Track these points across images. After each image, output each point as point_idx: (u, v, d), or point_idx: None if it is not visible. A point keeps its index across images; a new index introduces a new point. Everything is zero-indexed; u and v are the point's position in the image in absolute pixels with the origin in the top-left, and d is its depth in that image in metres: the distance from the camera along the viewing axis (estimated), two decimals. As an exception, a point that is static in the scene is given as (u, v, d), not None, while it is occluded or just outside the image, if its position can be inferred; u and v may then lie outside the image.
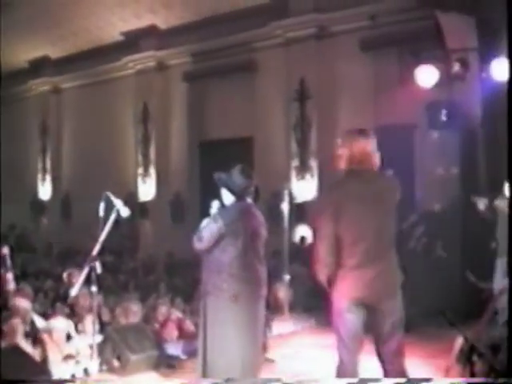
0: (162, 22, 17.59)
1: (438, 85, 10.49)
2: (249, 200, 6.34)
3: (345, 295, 5.22)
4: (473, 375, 4.15)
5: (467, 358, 4.23)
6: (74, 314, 8.81)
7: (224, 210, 6.29)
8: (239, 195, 6.27)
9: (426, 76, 10.41)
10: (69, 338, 8.37)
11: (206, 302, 6.19)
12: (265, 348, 8.91)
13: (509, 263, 5.56)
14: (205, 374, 6.14)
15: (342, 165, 5.39)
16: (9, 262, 8.75)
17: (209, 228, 6.12)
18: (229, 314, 6.08)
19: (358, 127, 5.75)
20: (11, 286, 8.60)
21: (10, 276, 8.72)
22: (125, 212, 7.14)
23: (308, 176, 14.90)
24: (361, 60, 13.97)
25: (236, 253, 6.10)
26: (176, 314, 9.71)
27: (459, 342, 5.79)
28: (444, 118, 11.17)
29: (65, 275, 9.12)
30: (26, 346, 8.03)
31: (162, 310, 9.64)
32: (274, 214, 12.40)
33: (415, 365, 8.24)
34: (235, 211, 6.24)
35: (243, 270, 6.14)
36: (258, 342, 6.38)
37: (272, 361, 8.64)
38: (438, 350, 8.58)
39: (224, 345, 6.10)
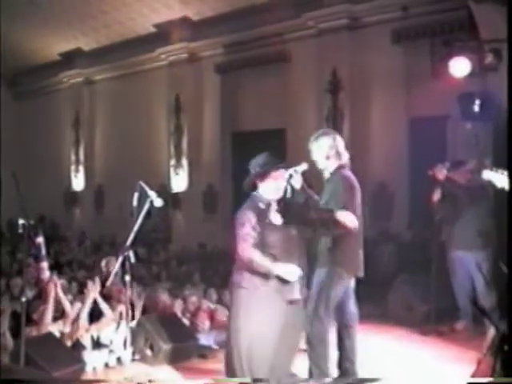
0: (195, 13, 17.61)
1: (470, 75, 10.42)
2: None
3: None
4: (504, 366, 4.13)
5: (498, 348, 4.20)
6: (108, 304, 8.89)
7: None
8: None
9: (459, 67, 10.32)
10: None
11: None
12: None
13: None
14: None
15: None
16: (43, 251, 8.86)
17: None
18: None
19: None
20: (46, 274, 8.71)
21: (44, 265, 8.84)
22: (158, 202, 7.19)
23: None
24: (393, 51, 13.93)
25: None
26: (208, 304, 9.78)
27: (491, 332, 5.77)
28: (477, 109, 11.09)
29: (103, 263, 9.22)
30: (58, 334, 8.15)
31: (194, 300, 9.71)
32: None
33: (448, 358, 8.27)
34: None
35: None
36: None
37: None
38: (472, 342, 8.56)
39: None
